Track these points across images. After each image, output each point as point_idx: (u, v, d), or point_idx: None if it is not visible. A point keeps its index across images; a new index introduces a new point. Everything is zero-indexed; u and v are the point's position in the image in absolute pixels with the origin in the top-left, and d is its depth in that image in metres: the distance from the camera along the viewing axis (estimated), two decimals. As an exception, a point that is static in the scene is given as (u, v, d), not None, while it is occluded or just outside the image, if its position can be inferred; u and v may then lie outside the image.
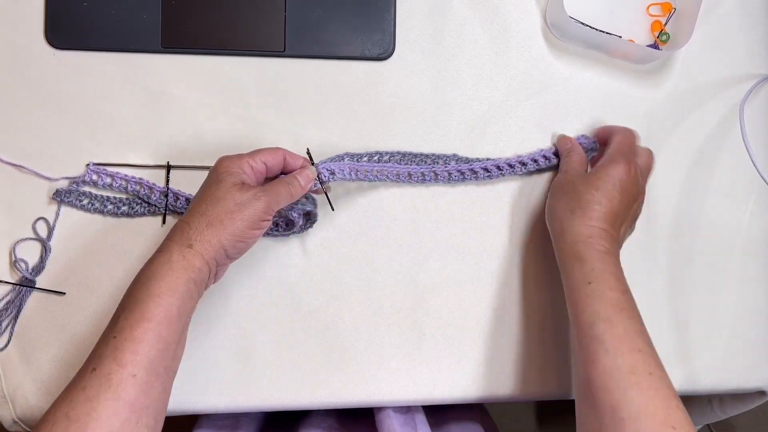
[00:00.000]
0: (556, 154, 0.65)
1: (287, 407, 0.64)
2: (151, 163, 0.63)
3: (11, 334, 0.61)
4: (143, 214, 0.62)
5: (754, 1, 0.68)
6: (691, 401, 0.76)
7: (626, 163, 0.58)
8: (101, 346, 0.47)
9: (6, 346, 0.61)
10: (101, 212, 0.62)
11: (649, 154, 0.62)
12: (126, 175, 0.62)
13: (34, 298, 0.62)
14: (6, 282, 0.61)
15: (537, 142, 0.66)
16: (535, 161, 0.64)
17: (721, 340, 0.68)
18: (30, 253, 0.62)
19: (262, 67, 0.64)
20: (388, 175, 0.63)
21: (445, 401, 0.66)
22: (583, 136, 0.65)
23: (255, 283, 0.64)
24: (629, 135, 0.62)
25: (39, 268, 0.61)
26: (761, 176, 0.62)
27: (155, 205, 0.62)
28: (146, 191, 0.62)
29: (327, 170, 0.59)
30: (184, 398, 0.62)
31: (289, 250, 0.64)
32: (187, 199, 0.62)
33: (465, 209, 0.65)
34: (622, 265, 0.56)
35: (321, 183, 0.59)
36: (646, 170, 0.61)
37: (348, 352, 0.64)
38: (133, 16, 0.62)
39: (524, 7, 0.66)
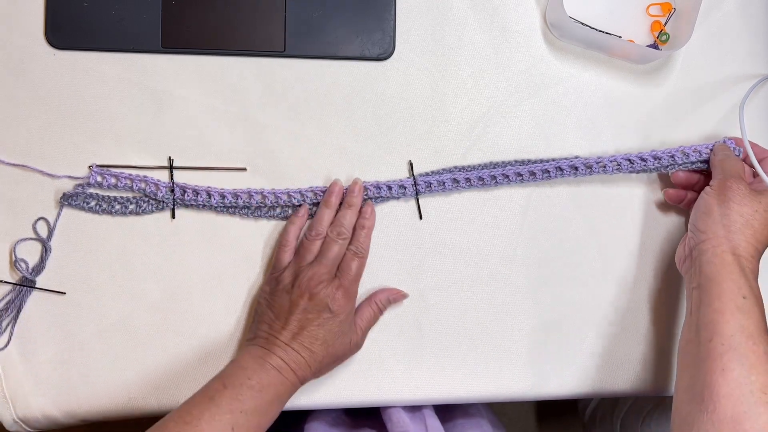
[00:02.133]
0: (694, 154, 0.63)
1: (287, 407, 0.64)
2: (151, 162, 0.63)
3: (11, 334, 0.61)
4: (152, 211, 0.62)
5: (754, 1, 0.68)
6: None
7: None
8: (218, 428, 0.51)
9: (6, 345, 0.61)
10: (109, 213, 0.62)
11: None
12: (130, 174, 0.62)
13: (34, 298, 0.62)
14: (6, 282, 0.61)
15: (537, 142, 0.66)
16: (686, 155, 0.63)
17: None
18: (30, 253, 0.62)
19: (262, 67, 0.64)
20: (502, 176, 0.64)
21: (445, 401, 0.66)
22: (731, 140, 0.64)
23: (256, 283, 0.64)
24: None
25: (39, 268, 0.62)
26: (761, 176, 0.62)
27: (163, 201, 0.62)
28: (152, 188, 0.62)
29: (424, 182, 0.64)
30: (186, 398, 0.62)
31: (289, 250, 0.64)
32: (195, 191, 0.62)
33: (465, 209, 0.65)
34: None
35: (417, 194, 0.64)
36: None
37: (348, 352, 0.64)
38: (133, 16, 0.62)
39: (524, 7, 0.66)
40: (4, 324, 0.61)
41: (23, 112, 0.62)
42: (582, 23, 0.65)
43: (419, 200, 0.65)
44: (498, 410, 1.35)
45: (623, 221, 0.67)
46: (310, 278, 0.58)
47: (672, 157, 0.64)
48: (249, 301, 0.63)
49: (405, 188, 0.64)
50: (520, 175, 0.64)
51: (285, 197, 0.62)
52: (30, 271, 0.61)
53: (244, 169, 0.63)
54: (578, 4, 0.65)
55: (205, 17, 0.63)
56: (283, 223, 0.63)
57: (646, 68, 0.67)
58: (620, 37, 0.65)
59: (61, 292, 0.62)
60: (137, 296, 0.63)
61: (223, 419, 0.51)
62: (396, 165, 0.65)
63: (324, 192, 0.63)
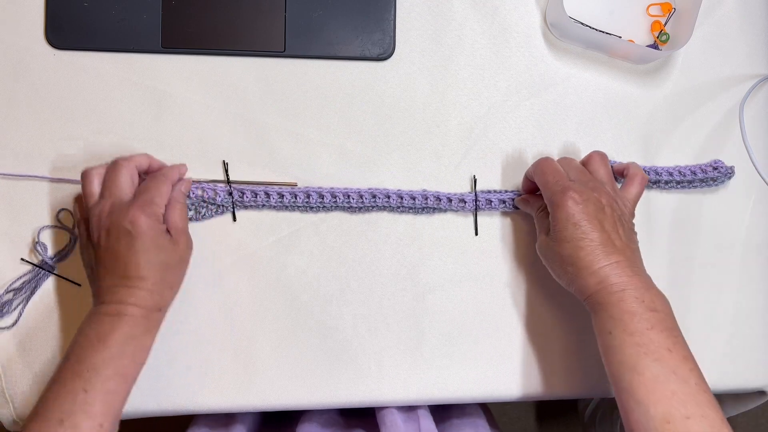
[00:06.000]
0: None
1: (286, 407, 0.64)
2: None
3: (20, 313, 0.61)
4: (211, 216, 0.63)
5: (754, 1, 0.68)
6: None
7: (561, 195, 0.55)
8: (68, 399, 0.50)
9: (14, 324, 0.61)
10: None
11: (571, 160, 0.60)
12: None
13: (37, 298, 0.62)
14: (28, 262, 0.61)
15: (537, 142, 0.66)
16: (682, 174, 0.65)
17: (720, 341, 0.68)
18: (53, 243, 0.62)
19: (262, 67, 0.64)
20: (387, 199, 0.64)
21: (444, 401, 0.66)
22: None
23: (255, 282, 0.64)
24: (543, 170, 0.58)
25: (61, 255, 0.62)
26: (761, 176, 0.62)
27: (222, 205, 0.62)
28: (210, 194, 0.62)
29: (484, 199, 0.64)
30: (183, 398, 0.62)
31: (288, 250, 0.64)
32: (253, 192, 0.62)
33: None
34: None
35: (476, 210, 0.64)
36: (581, 172, 0.58)
37: (347, 352, 0.64)
38: (133, 16, 0.62)
39: (524, 7, 0.66)
40: (15, 303, 0.61)
41: (23, 112, 0.62)
42: (582, 23, 0.65)
43: (477, 216, 0.65)
44: (498, 410, 1.35)
45: (623, 221, 0.67)
46: (99, 216, 0.54)
47: (670, 174, 0.66)
48: (242, 302, 0.64)
49: (465, 202, 0.64)
50: None
51: (333, 196, 0.63)
52: (50, 257, 0.61)
53: (295, 184, 0.63)
54: (578, 4, 0.65)
55: (205, 17, 0.63)
56: (272, 239, 0.63)
57: (646, 68, 0.67)
58: (620, 37, 0.65)
59: (77, 284, 0.62)
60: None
61: (75, 386, 0.50)
62: (396, 165, 0.65)
63: (372, 195, 0.63)
